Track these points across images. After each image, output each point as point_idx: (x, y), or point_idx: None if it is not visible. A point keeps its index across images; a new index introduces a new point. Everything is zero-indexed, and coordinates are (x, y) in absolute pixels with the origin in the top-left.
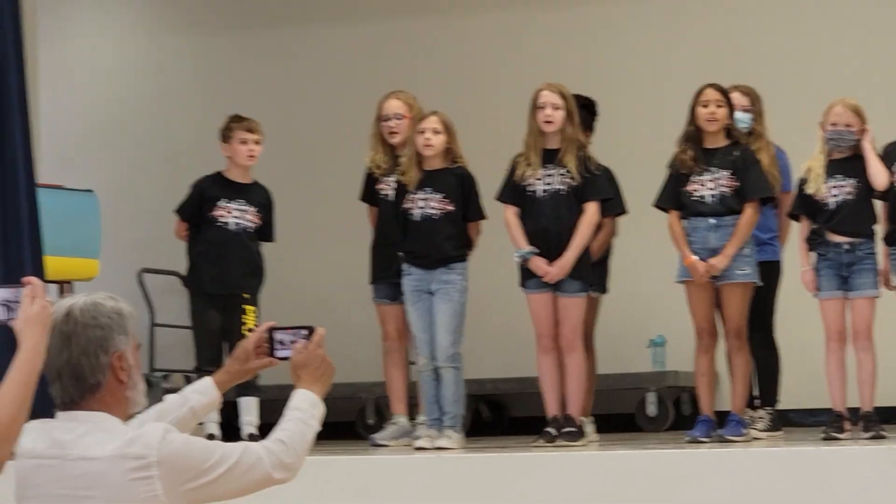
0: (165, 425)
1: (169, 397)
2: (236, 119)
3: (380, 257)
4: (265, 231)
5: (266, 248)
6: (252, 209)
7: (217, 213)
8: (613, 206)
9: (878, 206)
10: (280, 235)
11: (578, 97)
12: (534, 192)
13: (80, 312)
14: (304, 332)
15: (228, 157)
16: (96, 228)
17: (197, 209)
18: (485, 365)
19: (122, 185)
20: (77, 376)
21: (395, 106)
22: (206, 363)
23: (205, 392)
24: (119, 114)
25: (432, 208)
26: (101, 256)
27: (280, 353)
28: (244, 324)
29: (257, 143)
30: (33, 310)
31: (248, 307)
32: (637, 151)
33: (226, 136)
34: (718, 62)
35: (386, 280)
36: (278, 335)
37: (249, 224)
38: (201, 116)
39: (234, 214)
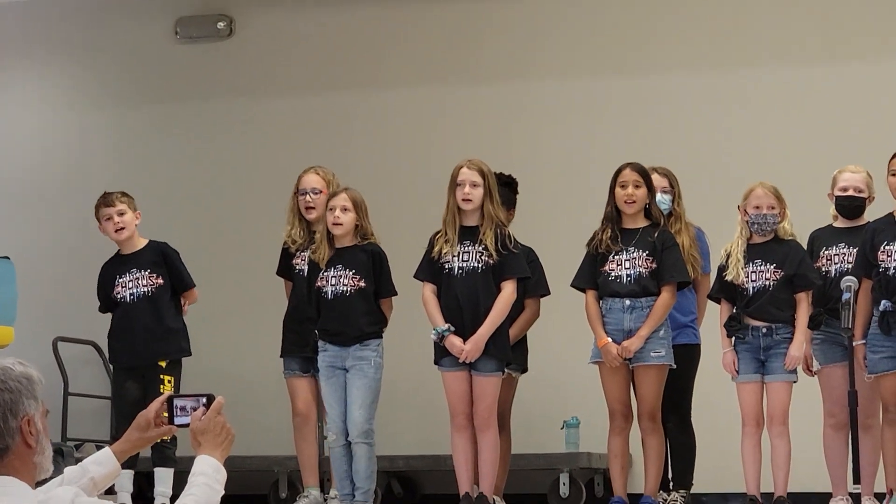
0: (75, 489)
1: (68, 469)
2: (99, 199)
3: (291, 331)
4: (177, 282)
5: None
6: (144, 273)
7: (115, 291)
8: (538, 287)
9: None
10: (194, 308)
11: (500, 175)
12: (451, 269)
13: None
14: (204, 399)
15: None
16: (12, 295)
17: (105, 295)
18: (398, 441)
19: (39, 252)
20: None
21: (312, 181)
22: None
23: (104, 463)
24: (37, 182)
25: (344, 285)
26: (16, 324)
27: (179, 420)
28: (161, 393)
29: (121, 213)
30: None
31: (164, 376)
32: (555, 231)
33: (97, 218)
34: (640, 143)
35: (296, 354)
36: (178, 402)
37: (145, 289)
38: (119, 187)
39: (128, 287)
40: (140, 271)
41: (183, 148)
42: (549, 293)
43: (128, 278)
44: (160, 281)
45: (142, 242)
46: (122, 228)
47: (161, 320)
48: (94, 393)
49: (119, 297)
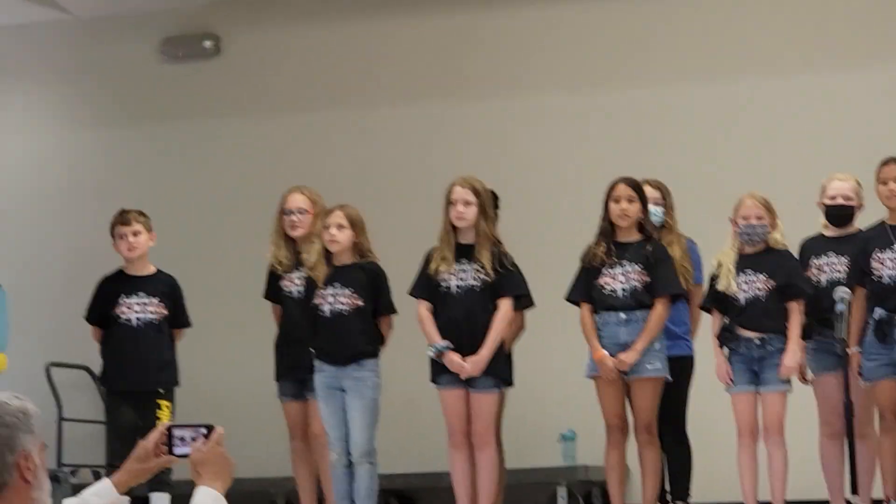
0: None
1: (67, 501)
2: (117, 214)
3: (284, 354)
4: (177, 318)
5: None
6: (154, 300)
7: (119, 310)
8: (523, 300)
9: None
10: (189, 331)
11: None
12: (448, 287)
13: None
14: (203, 429)
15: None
16: (4, 322)
17: (102, 310)
18: (395, 460)
19: (30, 278)
20: None
21: (298, 200)
22: (119, 460)
23: (104, 494)
24: (27, 207)
25: (342, 304)
26: (8, 350)
27: (179, 451)
28: (158, 419)
29: (136, 234)
30: None
31: (162, 402)
32: (548, 244)
33: (112, 233)
34: (632, 156)
35: (290, 378)
36: (177, 432)
37: (153, 317)
38: (108, 210)
39: (135, 309)
40: (149, 297)
41: (171, 167)
42: (534, 305)
43: (135, 301)
44: (165, 312)
45: (150, 268)
46: (135, 248)
47: (162, 350)
48: (88, 418)
49: (123, 318)
